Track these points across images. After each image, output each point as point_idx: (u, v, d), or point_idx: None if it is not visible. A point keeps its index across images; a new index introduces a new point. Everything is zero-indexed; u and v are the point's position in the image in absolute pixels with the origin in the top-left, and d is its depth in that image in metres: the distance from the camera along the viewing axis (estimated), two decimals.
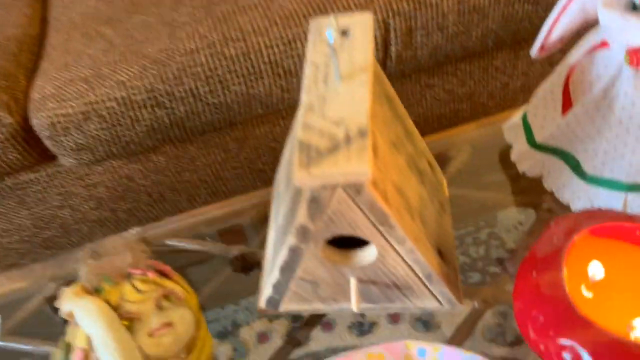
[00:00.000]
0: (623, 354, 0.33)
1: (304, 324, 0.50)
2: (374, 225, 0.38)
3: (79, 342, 0.44)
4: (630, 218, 0.39)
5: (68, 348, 0.44)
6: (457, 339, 0.47)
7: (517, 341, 0.47)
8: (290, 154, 0.47)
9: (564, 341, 0.35)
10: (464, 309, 0.48)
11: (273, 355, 0.49)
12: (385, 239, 0.39)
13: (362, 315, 0.50)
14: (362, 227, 0.38)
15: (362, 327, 0.50)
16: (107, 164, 0.87)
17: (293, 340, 0.49)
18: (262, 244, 0.55)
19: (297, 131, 0.36)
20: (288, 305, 0.47)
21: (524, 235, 0.54)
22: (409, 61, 0.82)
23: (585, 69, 0.46)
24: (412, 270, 0.42)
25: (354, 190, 0.35)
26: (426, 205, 0.46)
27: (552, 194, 0.54)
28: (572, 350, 0.34)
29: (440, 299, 0.45)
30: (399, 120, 0.46)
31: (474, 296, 0.49)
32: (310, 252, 0.41)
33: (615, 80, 0.44)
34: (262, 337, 0.51)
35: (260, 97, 0.81)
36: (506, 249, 0.53)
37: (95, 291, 0.47)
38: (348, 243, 0.43)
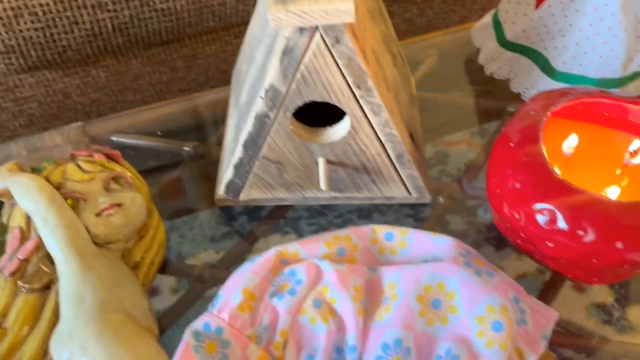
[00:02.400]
0: (599, 213, 0.33)
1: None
2: (350, 88, 0.36)
3: (15, 222, 0.39)
4: (603, 93, 0.39)
5: (3, 229, 0.39)
6: None
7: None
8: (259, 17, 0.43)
9: (540, 205, 0.34)
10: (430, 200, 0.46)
11: (230, 250, 0.45)
12: (360, 107, 0.37)
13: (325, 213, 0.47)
14: (336, 91, 0.36)
15: None
16: (40, 75, 0.79)
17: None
18: (219, 142, 0.52)
19: None
20: (249, 193, 0.44)
21: (482, 147, 0.52)
22: None
23: None
24: (384, 148, 0.40)
25: (333, 37, 0.32)
26: (399, 89, 0.44)
27: (519, 97, 0.53)
28: (548, 212, 0.34)
29: (409, 186, 0.44)
30: None
31: (440, 192, 0.48)
32: (279, 123, 0.38)
33: None
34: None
35: (213, 6, 0.75)
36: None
37: (34, 171, 0.42)
38: (318, 123, 0.41)
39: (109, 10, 0.72)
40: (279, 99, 0.36)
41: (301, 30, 0.32)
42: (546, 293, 0.42)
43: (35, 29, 0.71)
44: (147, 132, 0.54)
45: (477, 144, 0.52)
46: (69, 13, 0.70)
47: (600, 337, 0.39)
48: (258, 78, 0.38)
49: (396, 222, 0.46)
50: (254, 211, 0.47)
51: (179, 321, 0.42)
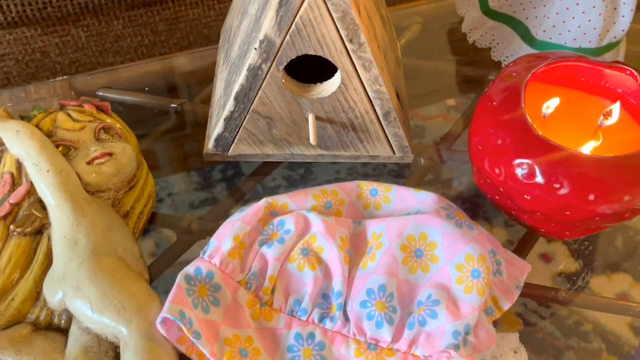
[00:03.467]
0: (573, 167, 0.35)
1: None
2: (343, 42, 0.37)
3: (6, 167, 0.39)
4: (581, 57, 0.41)
5: None
6: None
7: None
8: None
9: (520, 160, 0.36)
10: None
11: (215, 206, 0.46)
12: (352, 61, 0.38)
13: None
14: (329, 45, 0.37)
15: None
16: (19, 32, 0.78)
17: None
18: (205, 99, 0.52)
19: None
20: (238, 148, 0.45)
21: (462, 115, 0.54)
22: None
23: None
24: (372, 105, 0.41)
25: None
26: (387, 49, 0.45)
27: (499, 65, 0.55)
28: (527, 167, 0.36)
29: (393, 144, 0.45)
30: None
31: (421, 154, 0.49)
32: (271, 76, 0.39)
33: None
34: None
35: None
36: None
37: (23, 118, 0.42)
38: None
39: None
40: (273, 50, 0.37)
41: None
42: (520, 251, 0.44)
43: None
44: (133, 88, 0.54)
45: (454, 119, 0.53)
46: None
47: (566, 290, 0.42)
48: (252, 31, 0.39)
49: None
50: (233, 176, 0.48)
51: (168, 271, 0.43)
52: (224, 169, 0.48)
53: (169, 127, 0.52)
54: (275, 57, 0.37)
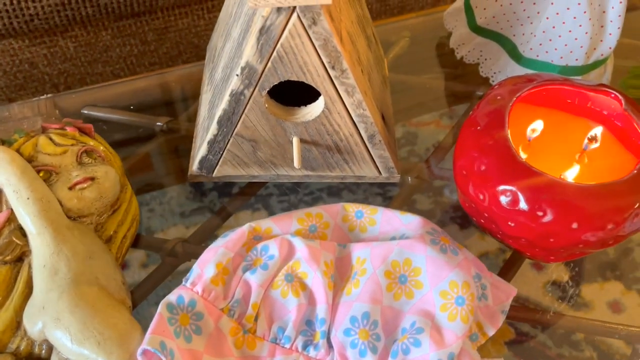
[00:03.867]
0: (557, 195, 0.34)
1: None
2: (325, 69, 0.36)
3: None
4: (566, 80, 0.40)
5: None
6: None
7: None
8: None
9: (503, 187, 0.36)
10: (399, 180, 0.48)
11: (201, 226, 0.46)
12: (335, 87, 0.38)
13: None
14: (312, 71, 0.36)
15: None
16: (6, 44, 0.77)
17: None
18: (191, 117, 0.52)
19: None
20: (223, 170, 0.45)
21: (450, 129, 0.54)
22: None
23: None
24: (357, 129, 0.41)
25: (310, 18, 0.33)
26: (372, 70, 0.44)
27: (487, 81, 0.55)
28: (511, 194, 0.35)
29: (379, 165, 0.45)
30: None
31: (409, 172, 0.49)
32: (254, 101, 0.38)
33: None
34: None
35: None
36: None
37: (4, 143, 0.42)
38: (293, 104, 0.41)
39: None
40: (255, 77, 0.37)
41: (279, 10, 0.32)
42: (507, 271, 0.44)
43: None
44: (119, 106, 0.54)
45: (446, 126, 0.53)
46: None
47: (554, 311, 0.42)
48: (234, 56, 0.38)
49: (365, 200, 0.48)
50: (224, 187, 0.48)
51: (152, 294, 0.42)
52: (213, 186, 0.48)
53: (155, 145, 0.51)
54: (257, 83, 0.37)
